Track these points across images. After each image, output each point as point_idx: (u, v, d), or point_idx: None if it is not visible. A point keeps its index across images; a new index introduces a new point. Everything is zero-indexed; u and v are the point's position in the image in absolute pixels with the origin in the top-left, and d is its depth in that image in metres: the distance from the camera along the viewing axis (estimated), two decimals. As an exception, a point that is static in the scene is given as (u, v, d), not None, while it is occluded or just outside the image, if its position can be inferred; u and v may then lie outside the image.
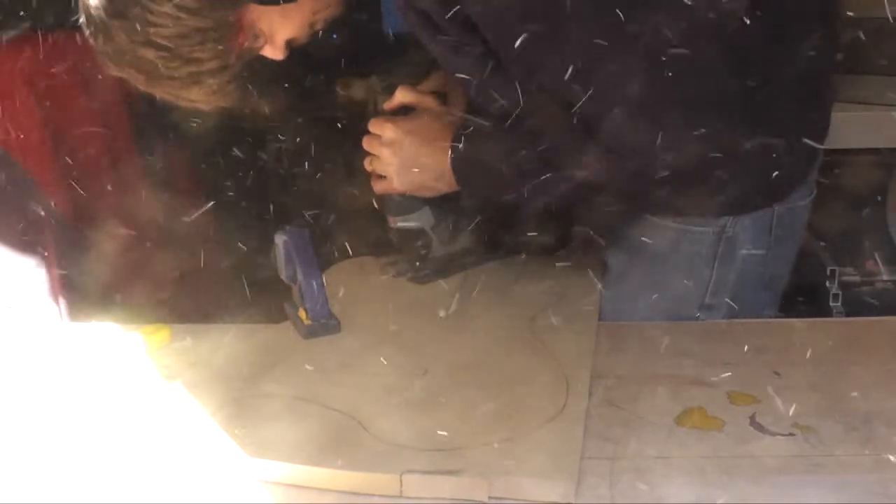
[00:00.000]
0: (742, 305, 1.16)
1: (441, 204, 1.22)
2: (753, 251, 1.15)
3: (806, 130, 1.08)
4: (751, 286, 1.17)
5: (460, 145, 1.11)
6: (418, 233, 1.24)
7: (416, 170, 1.15)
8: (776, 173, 1.07)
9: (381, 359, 0.98)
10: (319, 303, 1.07)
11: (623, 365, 0.98)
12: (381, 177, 1.18)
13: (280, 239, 1.09)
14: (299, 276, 1.08)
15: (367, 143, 1.18)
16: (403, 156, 1.15)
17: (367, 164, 1.19)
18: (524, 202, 1.09)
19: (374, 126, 1.17)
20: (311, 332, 1.06)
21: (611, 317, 1.15)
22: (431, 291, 1.21)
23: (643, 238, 1.15)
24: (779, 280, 1.22)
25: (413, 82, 1.21)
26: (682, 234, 1.14)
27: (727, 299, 1.16)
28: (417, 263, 1.25)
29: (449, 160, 1.12)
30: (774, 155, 1.04)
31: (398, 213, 1.23)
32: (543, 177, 1.03)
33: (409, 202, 1.21)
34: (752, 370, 0.96)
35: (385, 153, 1.16)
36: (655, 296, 1.15)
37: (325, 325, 1.07)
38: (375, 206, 1.25)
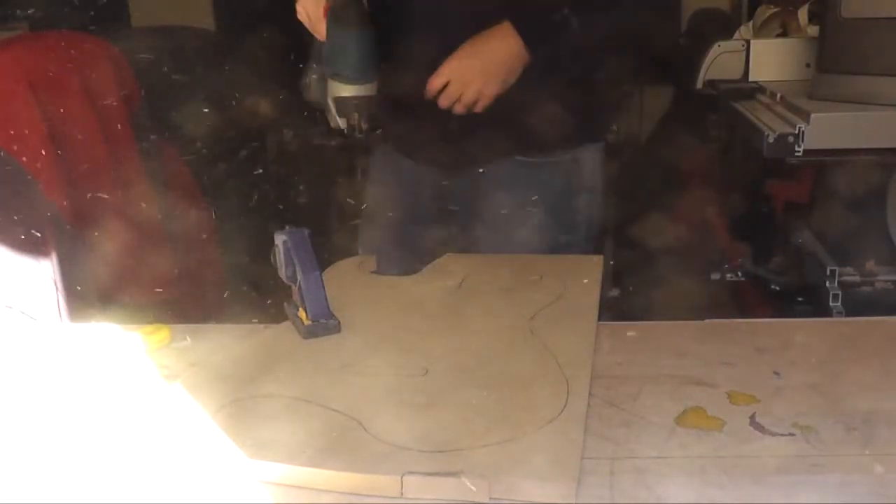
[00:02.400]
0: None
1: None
2: (586, 187, 1.38)
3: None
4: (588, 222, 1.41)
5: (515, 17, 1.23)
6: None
7: (494, 64, 1.23)
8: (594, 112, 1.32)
9: (379, 360, 0.98)
10: (319, 303, 1.07)
11: (623, 365, 0.98)
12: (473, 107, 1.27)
13: (280, 239, 1.09)
14: (299, 276, 1.08)
15: (443, 100, 1.26)
16: (480, 65, 1.23)
17: (458, 106, 1.26)
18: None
19: (435, 79, 1.25)
20: (311, 332, 1.06)
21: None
22: (431, 291, 1.21)
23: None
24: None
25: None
26: (540, 167, 1.33)
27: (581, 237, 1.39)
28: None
29: (513, 30, 1.22)
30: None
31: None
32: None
33: None
34: (752, 370, 0.96)
35: (461, 77, 1.23)
36: (515, 227, 1.34)
37: (325, 325, 1.07)
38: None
